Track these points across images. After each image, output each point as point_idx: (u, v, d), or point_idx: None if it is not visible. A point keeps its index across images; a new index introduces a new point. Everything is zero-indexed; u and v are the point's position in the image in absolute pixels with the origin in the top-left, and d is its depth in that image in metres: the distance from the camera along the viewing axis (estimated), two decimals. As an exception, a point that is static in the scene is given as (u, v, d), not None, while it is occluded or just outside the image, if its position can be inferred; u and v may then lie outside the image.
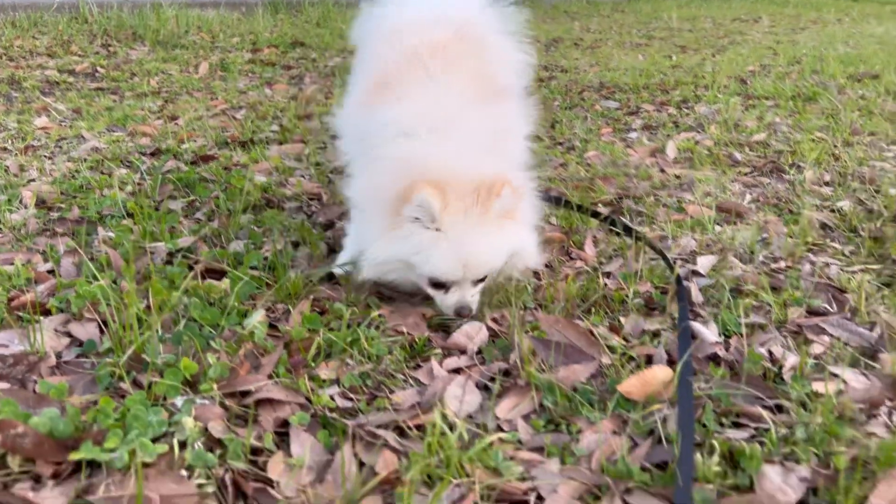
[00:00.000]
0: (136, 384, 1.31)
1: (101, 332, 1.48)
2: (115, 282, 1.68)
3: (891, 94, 4.33)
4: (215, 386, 1.30)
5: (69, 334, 1.49)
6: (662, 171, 2.88)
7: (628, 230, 2.14)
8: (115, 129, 3.18)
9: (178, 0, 6.37)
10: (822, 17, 10.36)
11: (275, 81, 4.45)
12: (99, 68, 4.48)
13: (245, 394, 1.31)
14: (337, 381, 1.38)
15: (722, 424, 1.30)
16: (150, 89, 4.01)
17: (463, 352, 1.53)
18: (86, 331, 1.48)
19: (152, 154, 2.82)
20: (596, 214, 2.26)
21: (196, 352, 1.37)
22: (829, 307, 1.76)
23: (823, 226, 2.29)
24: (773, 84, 4.60)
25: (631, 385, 1.35)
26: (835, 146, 3.19)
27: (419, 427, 1.27)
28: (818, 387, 1.40)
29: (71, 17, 5.69)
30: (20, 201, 2.23)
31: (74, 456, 1.09)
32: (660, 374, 1.37)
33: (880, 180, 2.69)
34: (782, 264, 2.00)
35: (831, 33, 8.05)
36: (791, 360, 1.50)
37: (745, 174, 2.87)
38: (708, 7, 11.19)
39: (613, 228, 2.18)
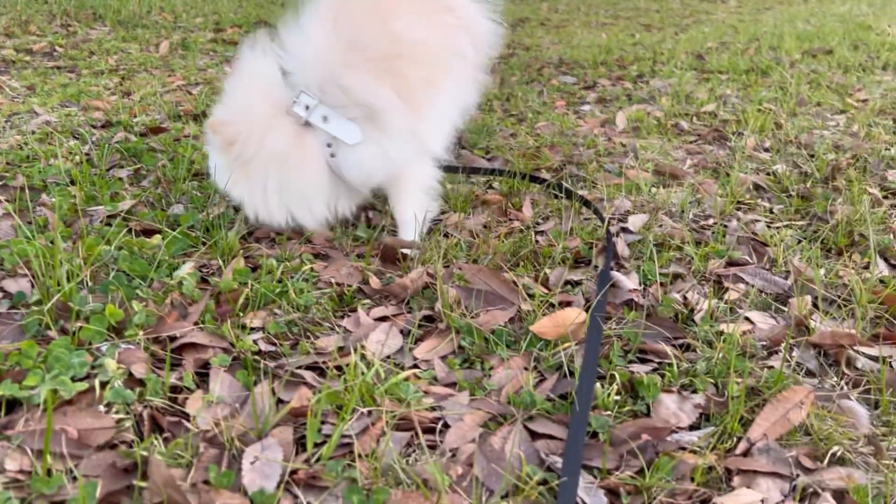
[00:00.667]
0: (63, 331, 1.35)
1: (33, 286, 1.51)
2: (52, 242, 1.71)
3: (841, 68, 4.43)
4: (141, 332, 1.34)
5: (2, 289, 1.52)
6: (609, 139, 2.95)
7: (562, 189, 2.20)
8: (68, 104, 3.18)
9: (141, -19, 6.31)
10: (789, -3, 10.48)
11: (235, 59, 4.45)
12: (57, 47, 4.45)
13: (170, 340, 1.35)
14: (262, 329, 1.43)
15: (628, 360, 1.36)
16: (107, 67, 4.00)
17: (392, 302, 1.58)
18: (18, 285, 1.51)
19: (103, 126, 2.83)
20: (535, 179, 2.32)
21: (123, 301, 1.41)
22: (749, 259, 1.83)
23: (757, 187, 2.37)
24: (728, 59, 4.68)
25: (543, 325, 1.41)
26: (780, 116, 3.27)
27: (339, 368, 1.32)
28: (726, 328, 1.47)
29: (30, -2, 5.63)
30: (-35, 171, 2.24)
31: (-7, 393, 1.13)
32: (572, 314, 1.43)
33: (816, 146, 2.77)
34: (711, 221, 2.07)
35: (795, 12, 8.16)
36: (703, 304, 1.57)
37: (690, 142, 2.94)
38: (677, -12, 11.27)
39: (552, 191, 2.24)
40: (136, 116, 2.99)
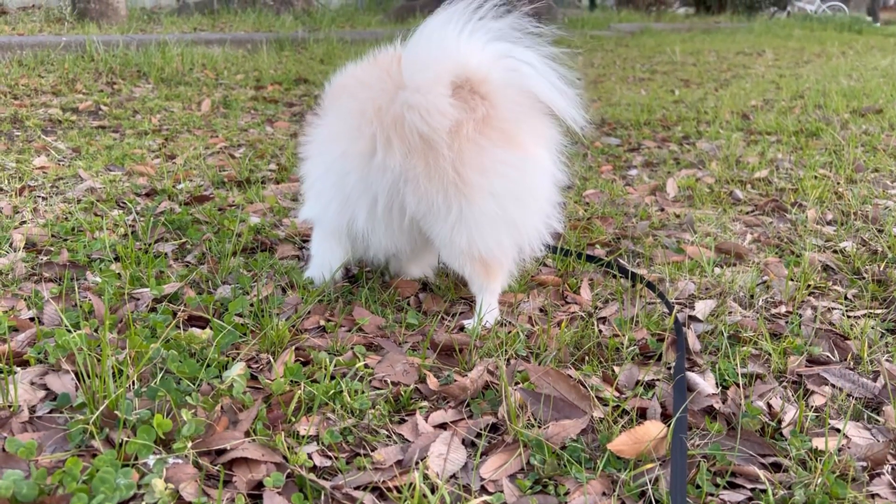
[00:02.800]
0: (109, 442, 1.27)
1: (77, 388, 1.43)
2: (96, 330, 1.65)
3: (895, 129, 4.30)
4: (189, 444, 1.25)
5: (45, 387, 1.45)
6: (662, 209, 2.85)
7: (626, 272, 2.10)
8: (112, 168, 3.18)
9: (184, 38, 6.44)
10: (826, 50, 10.39)
11: (276, 119, 4.46)
12: (102, 106, 4.51)
13: (220, 452, 1.27)
14: (316, 438, 1.33)
15: (717, 485, 1.24)
16: (151, 127, 4.02)
17: (451, 404, 1.48)
18: (62, 383, 1.44)
19: (147, 195, 2.81)
20: (592, 258, 2.22)
21: (171, 408, 1.33)
22: (830, 355, 1.71)
23: (826, 267, 2.24)
24: (775, 119, 4.58)
25: (622, 443, 1.30)
26: (838, 184, 3.15)
27: (399, 490, 1.22)
28: (818, 443, 1.34)
29: (77, 56, 5.75)
30: (10, 244, 2.21)
31: (35, 523, 1.04)
32: (652, 430, 1.32)
33: (884, 219, 2.64)
34: (783, 309, 1.95)
35: (835, 66, 8.05)
36: (790, 413, 1.44)
37: (747, 213, 2.82)
38: (712, 41, 11.26)
39: (611, 271, 2.15)
40: (179, 182, 2.96)
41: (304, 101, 5.08)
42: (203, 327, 1.69)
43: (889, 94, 5.55)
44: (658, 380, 1.58)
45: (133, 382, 1.41)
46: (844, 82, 6.51)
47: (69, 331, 1.55)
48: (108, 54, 5.77)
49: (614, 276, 2.12)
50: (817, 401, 1.52)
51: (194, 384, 1.44)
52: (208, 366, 1.48)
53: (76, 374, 1.44)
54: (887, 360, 1.66)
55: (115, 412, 1.29)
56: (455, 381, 1.53)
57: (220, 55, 6.32)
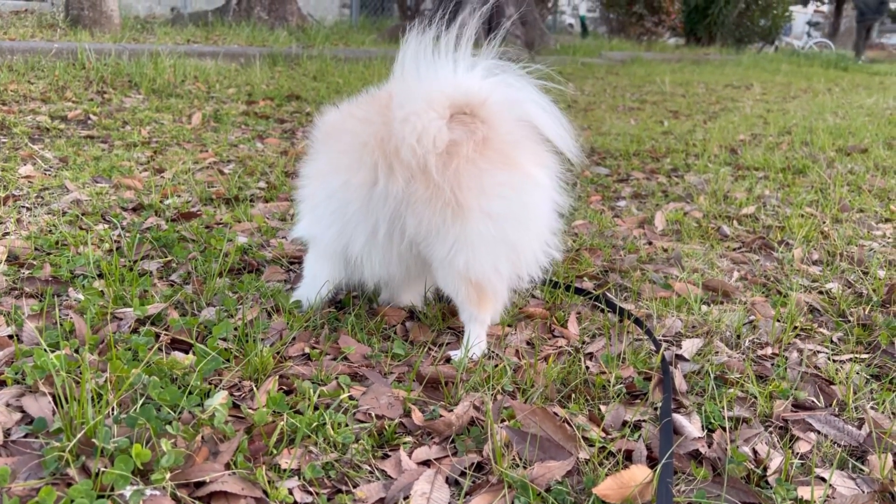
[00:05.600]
0: (85, 470, 1.24)
1: (56, 408, 1.40)
2: (76, 351, 1.61)
3: (879, 170, 4.36)
4: (168, 475, 1.22)
5: (21, 409, 1.41)
6: (650, 243, 2.86)
7: (614, 307, 2.09)
8: (99, 180, 3.15)
9: (177, 49, 6.43)
10: (813, 86, 10.56)
11: (267, 135, 4.45)
12: (92, 115, 4.48)
13: (199, 484, 1.24)
14: (298, 472, 1.31)
15: (702, 534, 1.23)
16: (140, 139, 3.99)
17: (436, 440, 1.46)
18: (39, 406, 1.41)
19: (134, 209, 2.78)
20: (580, 291, 2.22)
21: (150, 436, 1.30)
22: (816, 400, 1.71)
23: (812, 309, 2.26)
24: (763, 155, 4.63)
25: (608, 487, 1.28)
26: (823, 223, 3.18)
27: (382, 527, 1.20)
28: (804, 492, 1.34)
29: (68, 63, 5.72)
30: (-9, 256, 2.17)
31: (4, 558, 1.01)
32: (638, 474, 1.31)
33: (869, 261, 2.67)
34: (769, 350, 1.95)
35: (821, 103, 8.17)
36: (776, 460, 1.44)
37: (734, 249, 2.84)
38: (701, 72, 11.41)
39: (599, 305, 2.14)
40: (167, 198, 2.94)
41: (296, 118, 5.07)
42: (186, 351, 1.67)
43: (874, 134, 5.63)
44: (644, 421, 1.57)
45: (112, 408, 1.38)
46: (830, 119, 6.61)
47: (47, 351, 1.52)
48: (100, 63, 5.75)
49: (602, 311, 2.12)
50: (803, 447, 1.52)
51: (175, 412, 1.41)
52: (190, 393, 1.46)
53: (54, 398, 1.41)
54: (872, 408, 1.66)
55: (93, 440, 1.26)
56: (440, 416, 1.51)
57: (213, 68, 6.31)
